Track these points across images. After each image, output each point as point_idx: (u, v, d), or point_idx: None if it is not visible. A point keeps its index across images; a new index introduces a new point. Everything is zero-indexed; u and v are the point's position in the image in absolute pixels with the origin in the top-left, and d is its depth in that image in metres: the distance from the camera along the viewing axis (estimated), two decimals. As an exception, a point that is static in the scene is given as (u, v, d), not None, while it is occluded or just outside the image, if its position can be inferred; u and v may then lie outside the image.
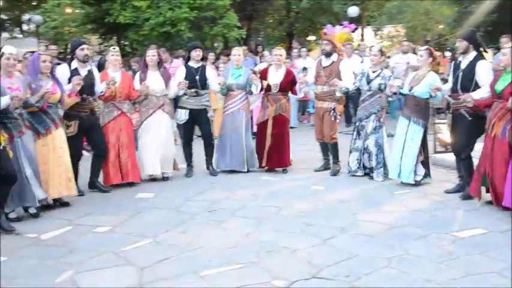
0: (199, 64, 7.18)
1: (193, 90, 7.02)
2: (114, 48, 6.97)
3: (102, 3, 15.40)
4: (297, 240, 4.60)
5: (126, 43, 17.50)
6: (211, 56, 10.99)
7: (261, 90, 7.22)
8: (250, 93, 7.29)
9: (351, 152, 6.95)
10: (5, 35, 26.12)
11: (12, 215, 5.28)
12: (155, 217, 5.41)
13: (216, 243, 4.57)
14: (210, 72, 7.33)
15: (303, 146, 9.03)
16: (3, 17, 24.77)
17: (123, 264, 4.18)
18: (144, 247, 4.54)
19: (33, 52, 7.05)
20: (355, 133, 6.93)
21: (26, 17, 25.95)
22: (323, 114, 7.08)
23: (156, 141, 6.82)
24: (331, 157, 7.27)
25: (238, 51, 7.45)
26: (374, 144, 6.70)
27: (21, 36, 27.10)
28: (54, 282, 3.85)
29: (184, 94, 7.04)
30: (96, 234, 4.92)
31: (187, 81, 6.90)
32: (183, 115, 7.09)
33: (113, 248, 4.48)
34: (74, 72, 6.12)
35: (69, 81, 6.02)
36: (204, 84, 7.14)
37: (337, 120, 7.09)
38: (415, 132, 6.21)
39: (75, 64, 6.24)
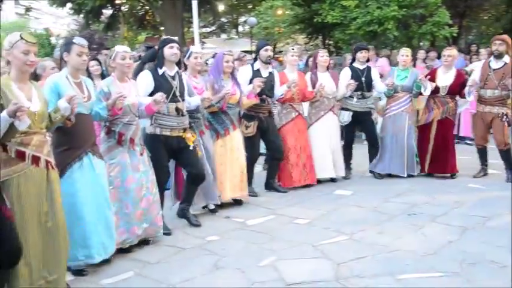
0: (365, 65, 7.05)
1: (359, 92, 6.90)
2: (293, 49, 6.71)
3: (311, 4, 15.93)
4: (506, 255, 4.21)
5: (331, 42, 17.81)
6: (421, 53, 10.61)
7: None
8: (417, 95, 7.02)
9: None
10: (223, 36, 28.80)
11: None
12: (353, 214, 5.46)
13: (415, 247, 4.43)
14: (375, 73, 7.15)
15: None
16: (224, 20, 27.25)
17: (320, 257, 4.30)
18: (341, 243, 4.61)
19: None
20: None
21: (242, 19, 28.27)
22: (492, 119, 6.59)
23: (327, 142, 6.76)
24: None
25: (406, 52, 7.08)
26: None
27: (236, 37, 29.51)
28: (258, 265, 4.15)
29: (350, 96, 6.91)
30: (296, 226, 5.16)
31: (356, 82, 6.76)
32: (345, 117, 6.98)
33: (311, 240, 4.65)
34: (256, 73, 6.13)
35: (251, 81, 6.01)
36: (369, 86, 7.00)
37: (510, 126, 6.58)
38: None
39: (257, 65, 6.26)
